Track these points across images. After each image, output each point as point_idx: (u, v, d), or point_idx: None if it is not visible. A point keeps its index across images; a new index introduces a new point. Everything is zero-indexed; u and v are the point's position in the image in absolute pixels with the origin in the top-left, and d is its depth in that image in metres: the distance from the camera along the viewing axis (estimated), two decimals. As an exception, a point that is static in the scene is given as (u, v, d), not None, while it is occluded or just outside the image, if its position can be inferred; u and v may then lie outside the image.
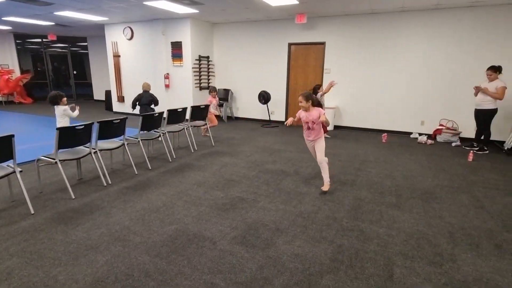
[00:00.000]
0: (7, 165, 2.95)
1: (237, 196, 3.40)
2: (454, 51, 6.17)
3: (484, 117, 5.32)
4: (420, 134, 6.55)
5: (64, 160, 3.35)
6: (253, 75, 8.31)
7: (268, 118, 8.14)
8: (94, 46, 12.24)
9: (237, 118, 8.80)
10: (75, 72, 13.19)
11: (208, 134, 5.88)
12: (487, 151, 5.37)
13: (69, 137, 3.28)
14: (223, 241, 2.50)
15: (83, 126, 3.36)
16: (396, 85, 6.79)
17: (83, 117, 8.56)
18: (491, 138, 5.46)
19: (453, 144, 5.95)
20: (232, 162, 4.68)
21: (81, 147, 3.65)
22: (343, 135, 6.84)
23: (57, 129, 3.12)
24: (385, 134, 6.37)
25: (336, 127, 7.49)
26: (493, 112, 5.23)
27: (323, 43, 7.28)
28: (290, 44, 7.67)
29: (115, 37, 9.00)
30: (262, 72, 8.17)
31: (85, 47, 12.66)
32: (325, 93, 6.02)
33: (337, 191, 3.58)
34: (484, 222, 2.88)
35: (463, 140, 6.05)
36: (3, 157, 2.77)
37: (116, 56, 9.17)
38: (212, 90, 6.48)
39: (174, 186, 3.67)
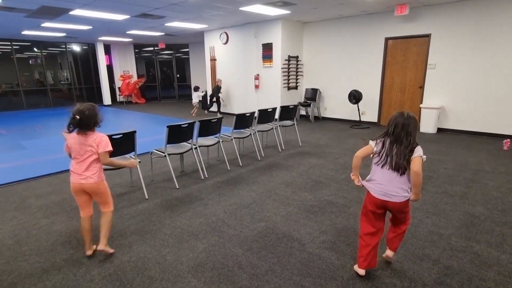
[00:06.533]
0: (130, 156, 3.52)
1: (326, 199, 3.31)
2: None
3: None
4: (559, 142, 5.23)
5: (171, 154, 3.82)
6: (343, 73, 7.96)
7: (358, 119, 7.70)
8: (194, 51, 13.60)
9: (324, 118, 8.59)
10: (178, 75, 14.90)
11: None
12: None
13: (176, 134, 3.72)
14: (312, 244, 2.47)
15: (187, 124, 3.76)
16: (525, 81, 5.57)
17: (184, 116, 9.63)
18: None
19: None
20: (320, 163, 4.59)
21: (184, 143, 4.09)
22: (447, 139, 5.97)
23: (167, 126, 3.57)
24: (508, 140, 5.30)
25: (439, 130, 6.59)
26: None
27: (427, 36, 6.48)
28: (387, 39, 7.06)
29: (212, 42, 9.81)
30: (353, 70, 7.76)
31: (187, 53, 14.18)
32: None
33: (443, 204, 3.14)
34: None
35: None
36: (128, 149, 3.31)
37: (213, 60, 9.99)
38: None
39: (263, 184, 3.80)
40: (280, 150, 5.38)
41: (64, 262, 2.29)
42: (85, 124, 2.08)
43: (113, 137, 3.06)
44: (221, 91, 9.44)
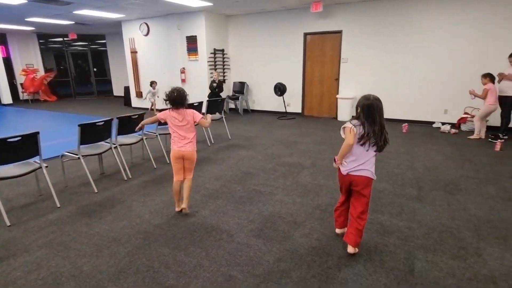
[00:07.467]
0: (34, 161, 3.08)
1: (254, 189, 3.41)
2: (477, 35, 5.85)
3: (506, 104, 5.19)
4: (443, 123, 6.29)
5: (86, 156, 3.46)
6: (269, 67, 8.23)
7: (284, 110, 8.07)
8: (112, 43, 12.49)
9: (253, 111, 8.78)
10: (95, 69, 13.54)
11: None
12: (506, 138, 5.15)
13: (90, 133, 3.39)
14: (241, 233, 2.52)
15: (103, 122, 3.45)
16: (417, 73, 6.53)
17: (104, 114, 8.82)
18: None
19: (479, 133, 5.68)
20: (249, 155, 4.69)
21: (102, 143, 3.75)
22: (361, 125, 6.68)
23: (79, 125, 3.22)
24: (406, 124, 6.17)
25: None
26: None
27: (339, 32, 7.09)
28: (305, 34, 7.51)
29: (132, 33, 9.14)
30: (277, 63, 8.08)
31: (104, 45, 12.95)
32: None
33: (356, 183, 3.51)
34: (513, 215, 2.75)
35: (490, 129, 5.77)
36: (30, 153, 2.90)
37: (134, 52, 9.33)
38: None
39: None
40: (209, 144, 5.34)
41: None
42: (179, 102, 2.62)
43: (9, 140, 2.65)
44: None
